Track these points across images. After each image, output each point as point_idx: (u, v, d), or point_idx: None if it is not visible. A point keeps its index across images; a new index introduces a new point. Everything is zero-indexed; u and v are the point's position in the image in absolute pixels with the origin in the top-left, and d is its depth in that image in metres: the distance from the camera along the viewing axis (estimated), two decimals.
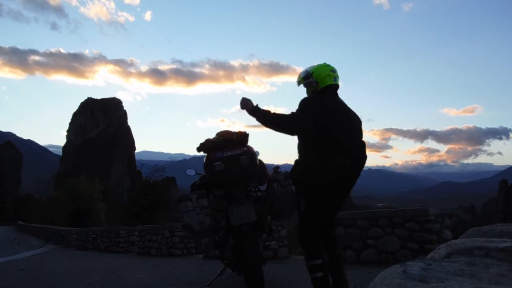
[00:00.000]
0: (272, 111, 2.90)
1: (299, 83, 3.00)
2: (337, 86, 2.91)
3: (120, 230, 12.59)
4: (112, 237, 12.81)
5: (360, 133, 2.86)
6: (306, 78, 2.92)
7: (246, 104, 2.84)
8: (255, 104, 2.83)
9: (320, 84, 2.86)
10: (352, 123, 2.83)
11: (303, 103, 2.78)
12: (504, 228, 1.47)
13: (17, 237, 24.06)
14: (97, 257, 10.63)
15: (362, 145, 2.81)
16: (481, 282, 0.92)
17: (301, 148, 2.86)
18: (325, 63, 2.96)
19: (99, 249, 13.56)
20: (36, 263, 9.18)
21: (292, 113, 2.75)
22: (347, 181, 2.74)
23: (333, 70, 2.90)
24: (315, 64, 2.97)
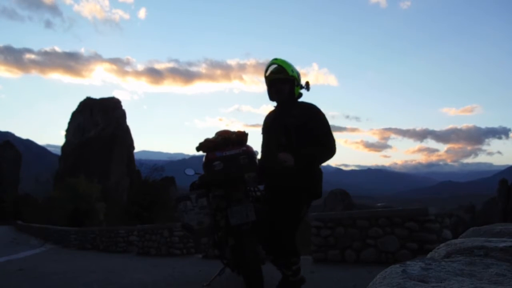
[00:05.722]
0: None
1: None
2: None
3: (119, 230, 12.58)
4: (111, 237, 12.80)
5: (277, 139, 2.92)
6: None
7: (288, 161, 2.92)
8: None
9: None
10: (272, 130, 2.96)
11: None
12: (504, 228, 1.46)
13: (16, 237, 24.01)
14: (96, 257, 10.61)
15: (279, 150, 2.87)
16: (481, 282, 0.91)
17: None
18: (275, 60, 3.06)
19: (98, 249, 13.54)
20: (35, 263, 9.15)
21: None
22: (278, 187, 2.90)
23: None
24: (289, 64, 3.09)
